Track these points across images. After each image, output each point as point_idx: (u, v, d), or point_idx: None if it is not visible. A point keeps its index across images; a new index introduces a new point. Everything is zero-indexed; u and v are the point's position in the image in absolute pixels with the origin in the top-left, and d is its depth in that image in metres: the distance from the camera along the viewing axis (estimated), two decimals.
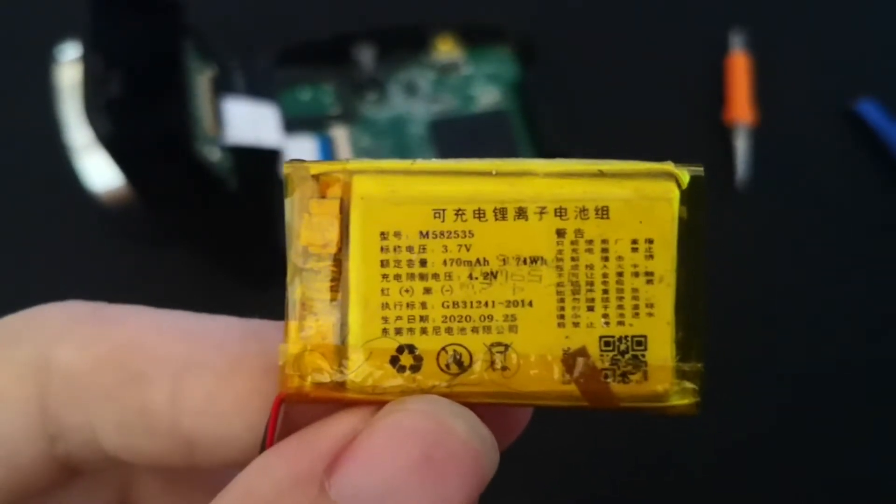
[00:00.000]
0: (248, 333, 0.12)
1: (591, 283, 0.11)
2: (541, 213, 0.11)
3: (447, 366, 0.11)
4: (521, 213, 0.11)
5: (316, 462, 0.09)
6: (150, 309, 0.13)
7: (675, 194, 0.12)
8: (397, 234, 0.11)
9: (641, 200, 0.12)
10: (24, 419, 0.11)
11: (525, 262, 0.11)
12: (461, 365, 0.11)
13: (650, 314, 0.11)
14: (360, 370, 0.11)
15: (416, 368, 0.11)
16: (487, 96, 0.35)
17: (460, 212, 0.11)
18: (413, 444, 0.09)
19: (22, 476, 0.11)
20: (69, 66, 0.29)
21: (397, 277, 0.11)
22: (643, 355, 0.11)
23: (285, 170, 0.11)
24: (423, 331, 0.11)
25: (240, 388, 0.11)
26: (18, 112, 0.35)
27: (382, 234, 0.11)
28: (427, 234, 0.11)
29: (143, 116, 0.25)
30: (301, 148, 0.33)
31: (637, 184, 0.12)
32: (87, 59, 0.24)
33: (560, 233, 0.11)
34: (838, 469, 0.29)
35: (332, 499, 0.09)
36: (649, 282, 0.11)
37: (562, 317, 0.11)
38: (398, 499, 0.09)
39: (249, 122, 0.31)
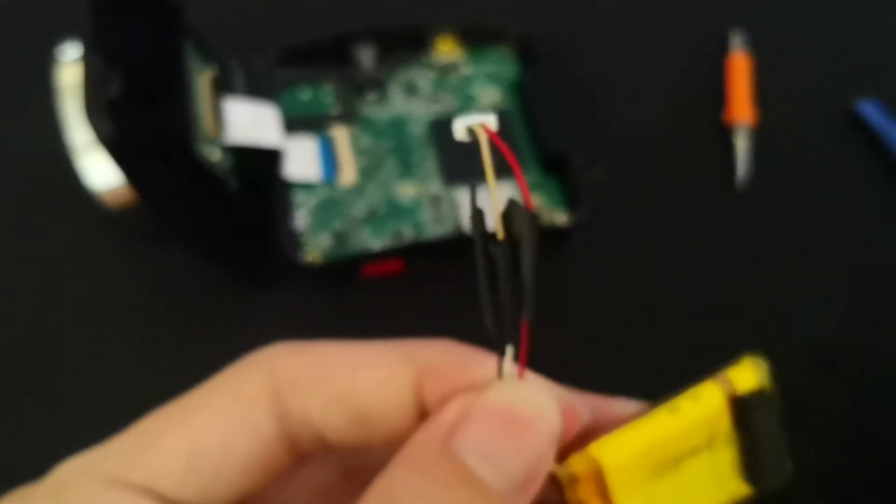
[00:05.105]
0: (397, 348, 0.17)
1: None
2: None
3: None
4: None
5: (442, 429, 0.15)
6: (332, 341, 0.18)
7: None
8: None
9: None
10: (264, 406, 0.16)
11: None
12: None
13: None
14: None
15: None
16: (487, 96, 0.35)
17: None
18: (500, 412, 0.14)
19: (265, 451, 0.16)
20: (69, 66, 0.29)
21: None
22: None
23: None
24: None
25: (393, 378, 0.17)
26: (18, 112, 0.35)
27: None
28: None
29: (144, 116, 0.25)
30: (301, 148, 0.33)
31: None
32: (87, 59, 0.24)
33: None
34: (839, 472, 0.29)
35: (452, 450, 0.14)
36: None
37: None
38: (492, 447, 0.14)
39: (249, 122, 0.31)
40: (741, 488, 0.18)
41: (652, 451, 0.16)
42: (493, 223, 0.14)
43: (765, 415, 0.17)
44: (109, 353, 0.30)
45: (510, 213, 0.14)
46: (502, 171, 0.14)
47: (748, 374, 0.17)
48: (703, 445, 0.17)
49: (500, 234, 0.14)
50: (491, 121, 0.14)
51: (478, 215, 0.14)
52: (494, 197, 0.14)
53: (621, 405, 0.19)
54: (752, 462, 0.17)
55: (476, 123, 0.14)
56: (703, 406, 0.17)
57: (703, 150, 0.35)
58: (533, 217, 0.14)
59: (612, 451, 0.16)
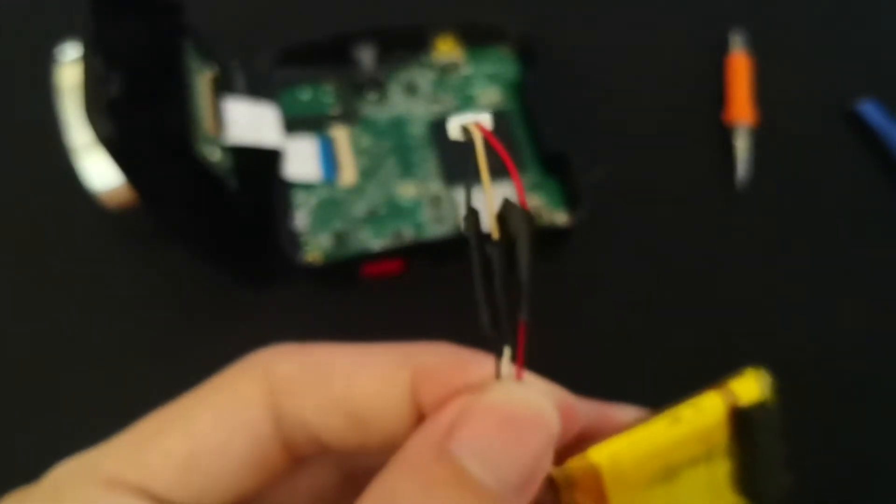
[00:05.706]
0: (393, 350, 0.17)
1: None
2: None
3: None
4: None
5: (439, 431, 0.14)
6: (329, 343, 0.18)
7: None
8: None
9: None
10: (261, 408, 0.16)
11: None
12: None
13: None
14: None
15: None
16: (487, 96, 0.35)
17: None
18: (498, 414, 0.14)
19: (262, 453, 0.16)
20: (69, 66, 0.29)
21: None
22: None
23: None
24: None
25: (389, 380, 0.17)
26: (18, 112, 0.35)
27: None
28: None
29: (144, 116, 0.25)
30: (301, 148, 0.33)
31: None
32: (87, 59, 0.24)
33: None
34: (836, 475, 0.29)
35: (449, 451, 0.14)
36: None
37: None
38: (489, 448, 0.14)
39: (249, 122, 0.31)
40: (737, 502, 0.18)
41: (651, 458, 0.16)
42: (489, 223, 0.14)
43: (765, 428, 0.17)
44: (109, 352, 0.30)
45: (505, 212, 0.14)
46: (499, 170, 0.14)
47: (751, 386, 0.17)
48: (701, 456, 0.17)
49: (496, 234, 0.14)
50: (486, 119, 0.14)
51: (473, 215, 0.14)
52: (489, 196, 0.14)
53: (622, 411, 0.18)
54: (749, 476, 0.17)
55: (471, 122, 0.14)
56: (705, 416, 0.17)
57: (703, 150, 0.35)
58: (528, 216, 0.14)
59: (610, 457, 0.16)
